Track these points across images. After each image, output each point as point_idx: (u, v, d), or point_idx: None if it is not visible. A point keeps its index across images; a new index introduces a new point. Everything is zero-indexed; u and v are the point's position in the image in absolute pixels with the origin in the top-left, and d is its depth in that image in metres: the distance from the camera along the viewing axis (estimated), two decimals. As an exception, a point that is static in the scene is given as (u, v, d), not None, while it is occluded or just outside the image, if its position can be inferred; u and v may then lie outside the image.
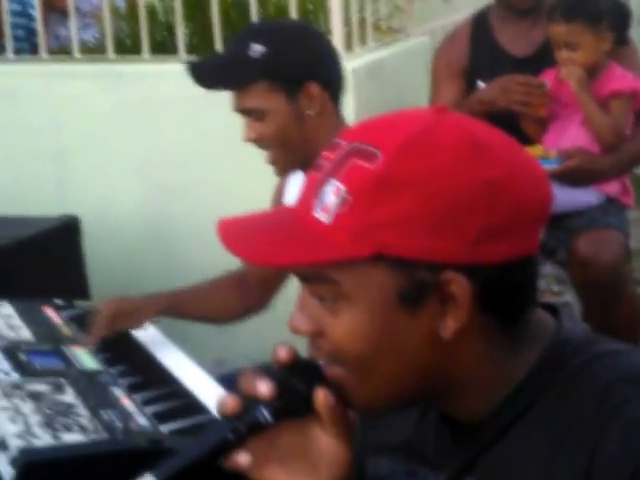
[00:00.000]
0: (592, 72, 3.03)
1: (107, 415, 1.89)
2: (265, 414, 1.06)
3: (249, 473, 1.08)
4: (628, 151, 3.07)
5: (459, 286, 1.00)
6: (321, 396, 1.06)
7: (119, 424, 1.85)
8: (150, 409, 1.98)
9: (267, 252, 1.05)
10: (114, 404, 1.96)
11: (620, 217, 3.13)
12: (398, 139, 1.01)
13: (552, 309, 1.14)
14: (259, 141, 2.30)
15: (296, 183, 2.44)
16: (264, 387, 1.06)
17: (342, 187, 1.01)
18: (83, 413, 1.88)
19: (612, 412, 1.01)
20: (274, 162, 2.32)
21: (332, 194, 1.01)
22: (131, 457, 1.75)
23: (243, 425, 1.06)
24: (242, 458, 1.07)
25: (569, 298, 3.36)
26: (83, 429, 1.81)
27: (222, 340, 3.52)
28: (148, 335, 2.43)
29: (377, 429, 1.22)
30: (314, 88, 2.27)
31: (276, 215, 1.17)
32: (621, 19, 3.08)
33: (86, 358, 2.23)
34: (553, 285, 3.74)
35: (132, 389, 2.07)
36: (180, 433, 1.90)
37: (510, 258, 1.02)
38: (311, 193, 1.05)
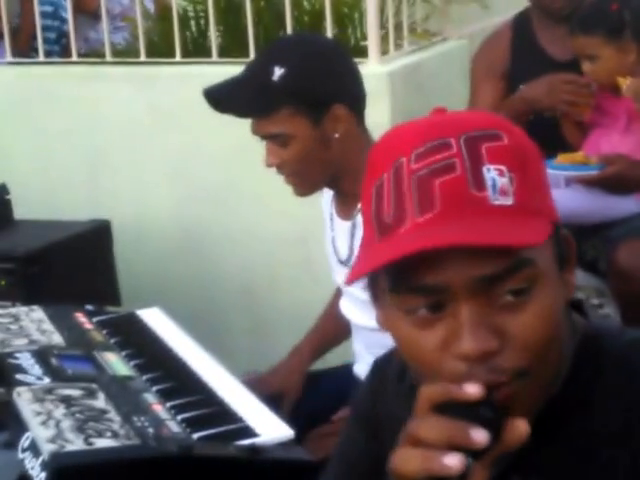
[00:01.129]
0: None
1: (139, 421, 1.87)
2: (470, 465, 0.94)
3: None
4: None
5: (569, 240, 1.09)
6: (522, 426, 0.96)
7: (151, 430, 1.84)
8: (182, 416, 1.95)
9: (493, 235, 0.98)
10: (146, 410, 1.95)
11: (661, 226, 3.06)
12: (494, 120, 1.07)
13: (575, 306, 1.15)
14: (281, 167, 2.22)
15: (327, 200, 2.41)
16: (480, 436, 0.93)
17: (501, 167, 1.01)
18: (115, 419, 1.87)
19: None
20: (294, 185, 2.26)
21: (499, 177, 1.01)
22: (162, 463, 1.74)
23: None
24: None
25: (609, 311, 3.30)
26: (115, 434, 1.80)
27: (255, 351, 3.50)
28: (181, 342, 2.41)
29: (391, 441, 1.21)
30: (340, 110, 2.18)
31: (449, 213, 1.01)
32: None
33: (118, 364, 2.21)
34: (592, 298, 3.68)
35: (164, 396, 2.04)
36: (211, 440, 1.88)
37: None
38: (467, 189, 1.00)
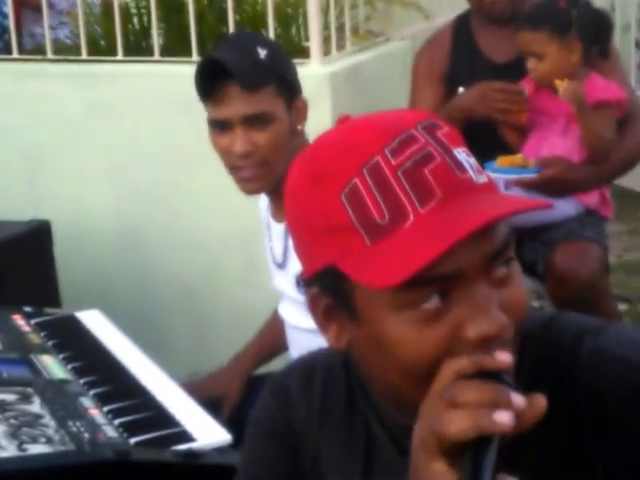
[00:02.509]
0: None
1: (74, 426, 1.86)
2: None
3: None
4: (609, 161, 3.04)
5: None
6: (542, 401, 0.95)
7: (86, 435, 1.83)
8: (119, 420, 1.94)
9: (519, 205, 1.02)
10: (82, 415, 1.94)
11: (599, 230, 3.09)
12: (422, 113, 1.10)
13: None
14: (252, 154, 2.19)
15: (264, 207, 2.41)
16: (520, 398, 0.94)
17: (464, 149, 1.04)
18: (50, 424, 1.86)
19: (594, 358, 1.06)
20: (257, 177, 2.23)
21: (469, 158, 1.03)
22: (98, 469, 1.73)
23: None
24: None
25: (548, 312, 3.33)
26: (49, 440, 1.79)
27: (197, 352, 3.49)
28: (120, 345, 2.39)
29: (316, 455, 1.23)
30: (302, 102, 2.25)
31: (464, 197, 1.01)
32: (598, 31, 3.03)
33: (55, 367, 2.20)
34: (531, 300, 3.71)
35: (101, 400, 2.03)
36: (148, 445, 1.88)
37: None
38: (452, 172, 1.00)
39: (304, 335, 2.26)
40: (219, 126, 2.21)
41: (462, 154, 1.02)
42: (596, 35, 3.02)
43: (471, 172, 1.01)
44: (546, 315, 1.14)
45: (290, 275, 2.29)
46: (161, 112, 3.43)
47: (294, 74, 2.26)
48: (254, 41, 2.25)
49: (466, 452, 0.93)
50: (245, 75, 2.14)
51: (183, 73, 3.36)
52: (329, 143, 1.07)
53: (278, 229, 2.31)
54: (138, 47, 3.71)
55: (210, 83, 2.17)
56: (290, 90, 2.21)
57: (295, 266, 2.25)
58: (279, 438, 1.26)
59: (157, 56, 3.51)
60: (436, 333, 0.99)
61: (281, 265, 2.34)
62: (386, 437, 1.16)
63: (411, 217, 0.98)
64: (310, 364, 1.27)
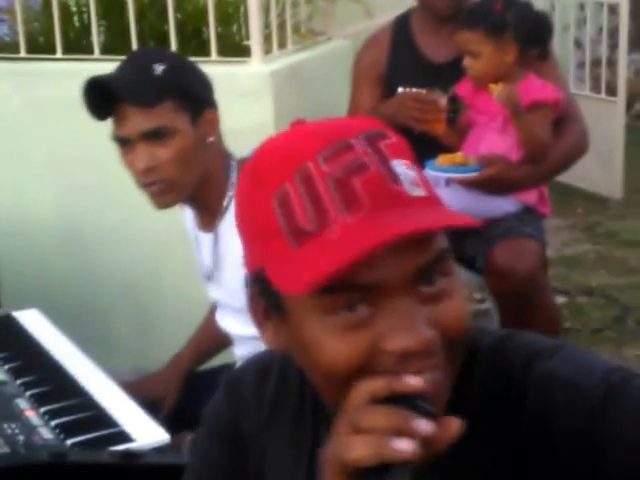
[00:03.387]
0: (502, 82, 3.01)
1: (9, 428, 1.85)
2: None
3: None
4: (547, 161, 3.07)
5: None
6: (456, 424, 0.95)
7: (21, 437, 1.82)
8: (56, 421, 1.93)
9: (438, 219, 1.00)
10: (18, 417, 1.93)
11: (537, 226, 3.14)
12: (373, 122, 1.07)
13: None
14: (155, 170, 2.15)
15: (189, 219, 2.39)
16: (426, 424, 0.93)
17: (406, 162, 1.02)
18: (-16, 426, 1.83)
19: (542, 381, 1.04)
20: (161, 193, 2.19)
21: (410, 170, 1.02)
22: (32, 472, 1.71)
23: None
24: None
25: (489, 305, 3.37)
26: (-16, 443, 1.76)
27: (141, 347, 3.47)
28: (59, 345, 2.37)
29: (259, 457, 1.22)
30: (212, 114, 2.20)
31: (389, 209, 1.00)
32: (537, 33, 3.07)
33: (-9, 368, 2.17)
34: (475, 293, 3.75)
35: (38, 401, 2.02)
36: (85, 446, 1.86)
37: None
38: (386, 186, 0.99)
39: (248, 342, 2.23)
40: (122, 143, 2.19)
41: (401, 166, 1.01)
42: (535, 37, 3.06)
43: (407, 185, 1.00)
44: (503, 333, 1.13)
45: (223, 285, 2.28)
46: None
47: (201, 87, 2.21)
48: (152, 57, 2.19)
49: (368, 478, 0.92)
50: (136, 92, 2.11)
51: (123, 71, 3.35)
52: (272, 147, 1.07)
53: (206, 239, 2.30)
54: (78, 45, 3.68)
55: (99, 105, 2.15)
56: (194, 103, 2.16)
57: (228, 274, 2.25)
58: (226, 438, 1.26)
59: (97, 54, 3.49)
60: (356, 341, 0.98)
61: (210, 276, 2.33)
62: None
63: (336, 225, 0.97)
64: (267, 361, 1.26)
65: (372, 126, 1.05)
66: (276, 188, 1.01)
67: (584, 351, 1.10)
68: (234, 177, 2.21)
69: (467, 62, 3.04)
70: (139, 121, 2.14)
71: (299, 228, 0.99)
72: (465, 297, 1.03)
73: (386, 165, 1.00)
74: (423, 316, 0.98)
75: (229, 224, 2.11)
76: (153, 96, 2.12)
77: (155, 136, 2.14)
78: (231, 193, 2.19)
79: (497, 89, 2.95)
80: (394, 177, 0.99)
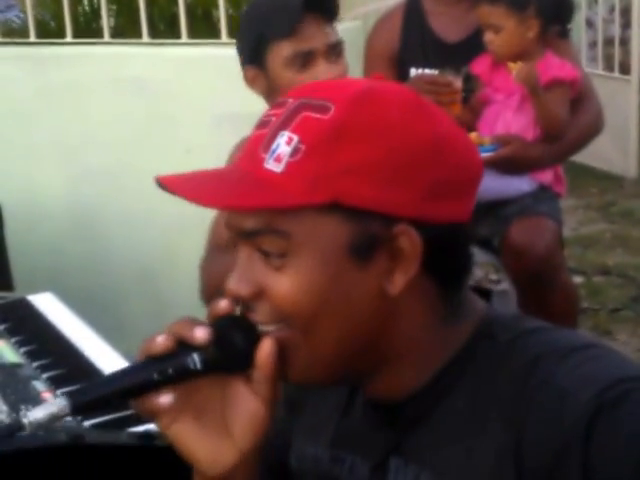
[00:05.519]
0: (522, 59, 2.99)
1: (27, 410, 1.82)
2: (196, 361, 1.03)
3: (159, 423, 1.06)
4: (563, 140, 3.05)
5: (410, 238, 1.02)
6: (267, 345, 1.03)
7: (40, 419, 1.79)
8: (73, 403, 1.91)
9: (219, 195, 1.02)
10: (35, 399, 1.91)
11: (553, 205, 3.12)
12: (348, 93, 1.04)
13: (485, 295, 1.16)
14: None
15: None
16: (201, 333, 1.03)
17: (295, 137, 1.01)
18: (2, 408, 1.84)
19: (539, 386, 1.00)
20: None
21: (284, 144, 1.02)
22: (51, 453, 1.70)
23: (172, 368, 1.02)
24: (164, 399, 1.03)
25: (506, 286, 3.35)
26: (1, 424, 1.75)
27: (153, 330, 3.46)
28: (73, 327, 2.37)
29: (303, 417, 1.22)
30: None
31: (224, 170, 1.13)
32: (559, 11, 3.05)
33: (7, 351, 2.17)
34: (491, 273, 3.74)
35: (55, 383, 2.01)
36: (103, 428, 1.85)
37: (450, 220, 1.05)
38: (259, 148, 1.04)
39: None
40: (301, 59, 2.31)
41: (283, 137, 1.02)
42: (557, 14, 3.04)
43: (268, 155, 1.02)
44: (526, 328, 1.09)
45: None
46: (111, 93, 3.40)
47: None
48: None
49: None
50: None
51: (133, 55, 3.35)
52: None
53: None
54: (88, 29, 3.67)
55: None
56: None
57: None
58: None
59: (107, 38, 3.48)
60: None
61: None
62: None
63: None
64: None
65: (328, 96, 1.04)
66: None
67: (605, 356, 1.04)
68: None
69: (488, 37, 3.01)
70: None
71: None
72: (312, 283, 1.02)
73: (277, 132, 1.03)
74: (253, 273, 1.03)
75: None
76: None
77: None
78: None
79: (516, 67, 2.93)
80: (269, 144, 1.03)
